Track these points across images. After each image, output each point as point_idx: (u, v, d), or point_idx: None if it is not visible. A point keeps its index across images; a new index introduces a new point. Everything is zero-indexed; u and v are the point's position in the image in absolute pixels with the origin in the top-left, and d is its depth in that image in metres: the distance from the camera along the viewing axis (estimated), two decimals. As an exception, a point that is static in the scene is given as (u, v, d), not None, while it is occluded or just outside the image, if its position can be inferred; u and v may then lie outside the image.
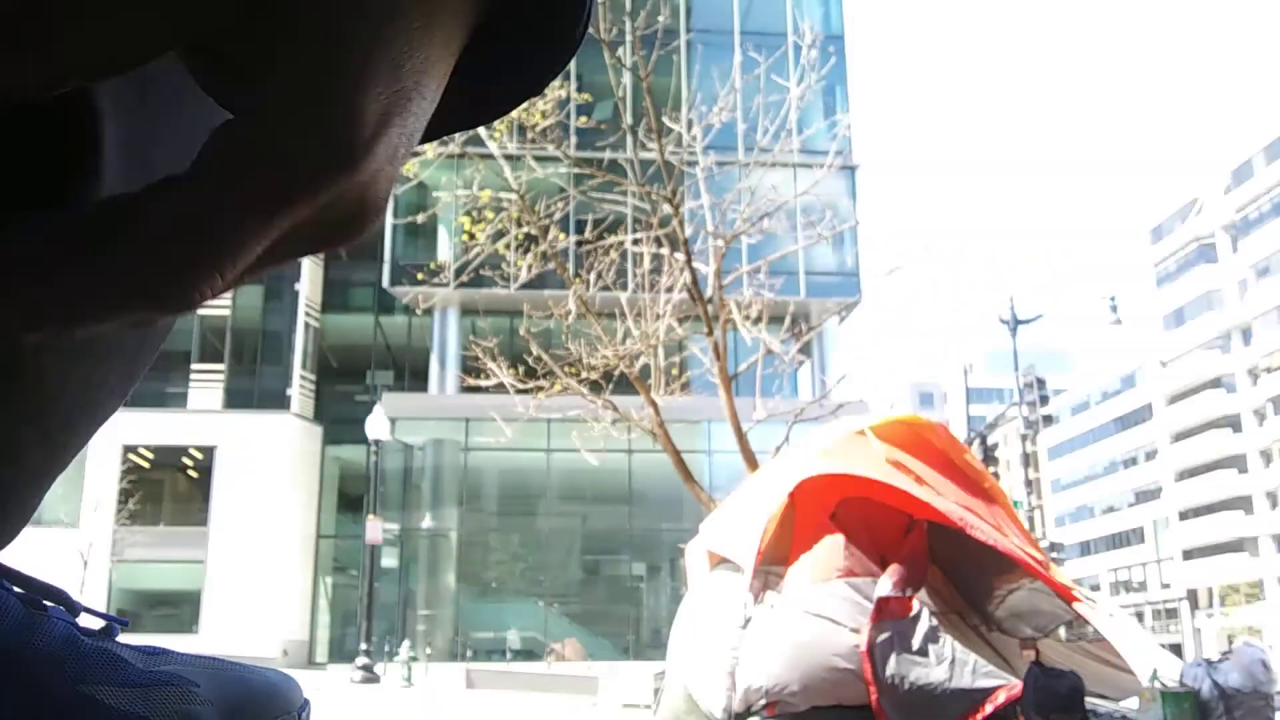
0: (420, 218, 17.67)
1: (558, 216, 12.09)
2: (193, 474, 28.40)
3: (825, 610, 4.57)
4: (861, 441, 5.33)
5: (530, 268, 11.32)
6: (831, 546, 4.92)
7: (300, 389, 28.86)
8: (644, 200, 11.29)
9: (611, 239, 11.81)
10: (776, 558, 5.15)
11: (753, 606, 4.98)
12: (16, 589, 0.54)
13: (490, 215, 11.37)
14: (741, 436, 11.10)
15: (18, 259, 0.34)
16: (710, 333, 10.78)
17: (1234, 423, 64.30)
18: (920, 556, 5.52)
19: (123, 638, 0.56)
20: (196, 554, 26.77)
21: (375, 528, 19.85)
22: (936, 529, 5.14)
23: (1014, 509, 5.81)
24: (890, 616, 4.48)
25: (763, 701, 4.28)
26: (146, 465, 27.58)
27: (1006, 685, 4.68)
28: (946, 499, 4.93)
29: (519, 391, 11.59)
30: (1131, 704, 4.34)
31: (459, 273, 14.05)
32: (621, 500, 27.39)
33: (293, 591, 27.95)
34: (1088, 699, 4.21)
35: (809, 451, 5.77)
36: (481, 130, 10.70)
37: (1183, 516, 67.71)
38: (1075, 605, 4.89)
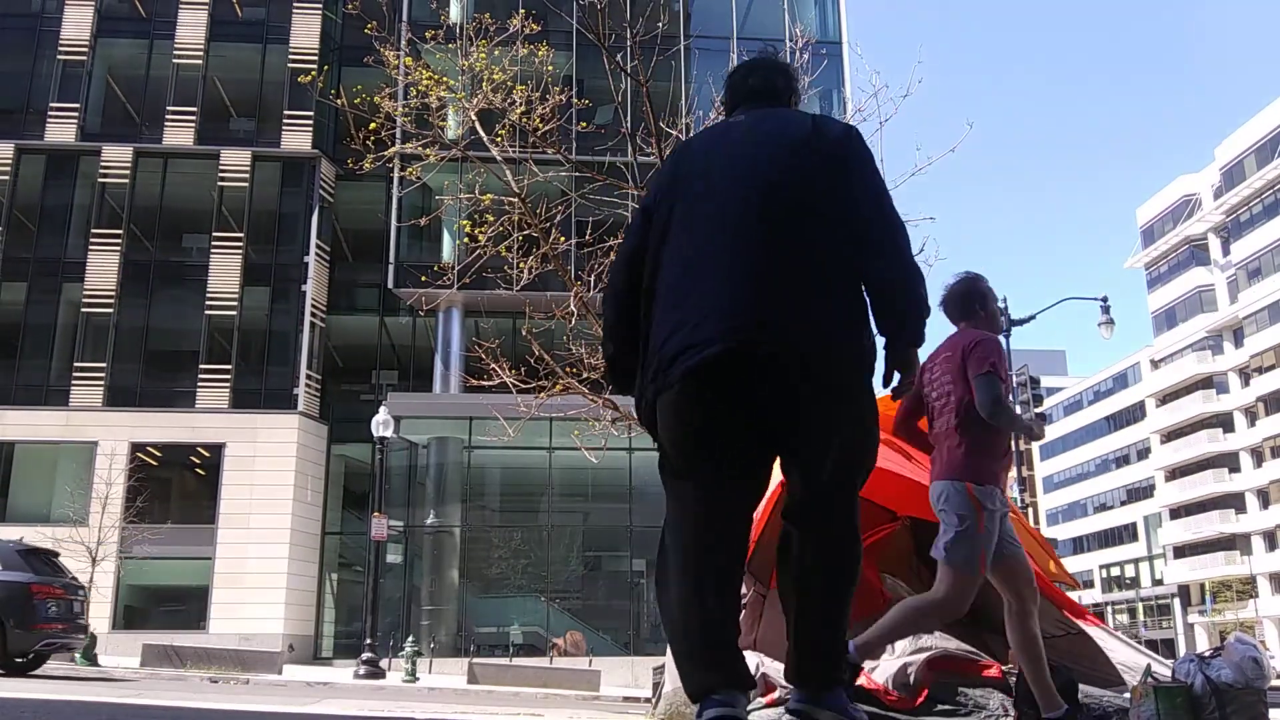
0: (424, 220, 17.75)
1: (559, 219, 11.86)
2: (200, 472, 28.44)
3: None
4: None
5: (532, 270, 10.92)
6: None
7: (306, 389, 28.92)
8: (644, 203, 11.40)
9: (612, 241, 11.89)
10: (772, 552, 5.30)
11: (747, 599, 5.08)
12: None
13: (492, 218, 11.10)
14: (741, 434, 11.24)
15: None
16: (708, 332, 10.89)
17: (1225, 422, 64.62)
18: (902, 551, 5.79)
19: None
20: (204, 551, 26.91)
21: (380, 525, 19.92)
22: (921, 524, 5.29)
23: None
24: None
25: (759, 693, 4.26)
26: (154, 463, 27.60)
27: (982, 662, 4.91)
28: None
29: (521, 391, 11.39)
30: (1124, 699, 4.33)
31: (462, 274, 14.12)
32: (622, 498, 27.47)
33: (299, 588, 28.08)
34: (1082, 690, 4.26)
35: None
36: (484, 134, 11.03)
37: (1174, 514, 68.02)
38: (1064, 612, 5.09)
